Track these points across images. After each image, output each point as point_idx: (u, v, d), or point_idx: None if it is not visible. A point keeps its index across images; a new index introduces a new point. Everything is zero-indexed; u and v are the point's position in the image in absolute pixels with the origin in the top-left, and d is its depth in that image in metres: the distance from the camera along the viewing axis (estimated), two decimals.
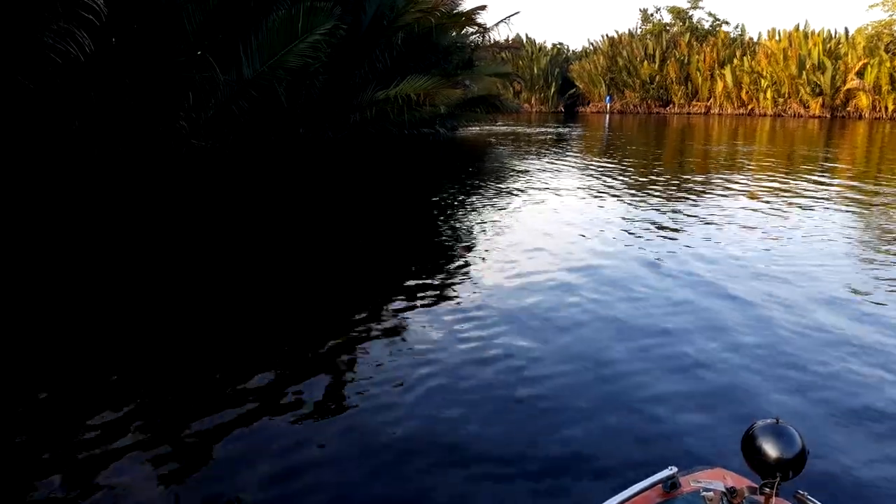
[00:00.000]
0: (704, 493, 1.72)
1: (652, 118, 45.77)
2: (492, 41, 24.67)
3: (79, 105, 11.03)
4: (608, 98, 57.23)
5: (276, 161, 14.51)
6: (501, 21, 23.01)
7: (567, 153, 17.06)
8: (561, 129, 28.94)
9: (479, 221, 7.76)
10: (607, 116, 48.62)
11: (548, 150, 18.00)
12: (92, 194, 9.33)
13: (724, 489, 1.70)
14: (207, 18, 11.78)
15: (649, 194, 9.76)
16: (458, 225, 7.63)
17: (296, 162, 14.62)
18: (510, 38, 29.26)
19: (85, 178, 10.53)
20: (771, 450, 1.58)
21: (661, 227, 7.44)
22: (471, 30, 22.62)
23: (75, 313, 4.69)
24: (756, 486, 1.66)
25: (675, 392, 3.50)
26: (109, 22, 10.68)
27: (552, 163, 14.12)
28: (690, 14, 57.14)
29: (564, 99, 61.58)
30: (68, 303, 4.88)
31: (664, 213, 8.29)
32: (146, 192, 9.80)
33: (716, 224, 7.61)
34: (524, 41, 59.98)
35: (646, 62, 54.25)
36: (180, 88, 12.26)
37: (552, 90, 61.02)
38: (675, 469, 1.77)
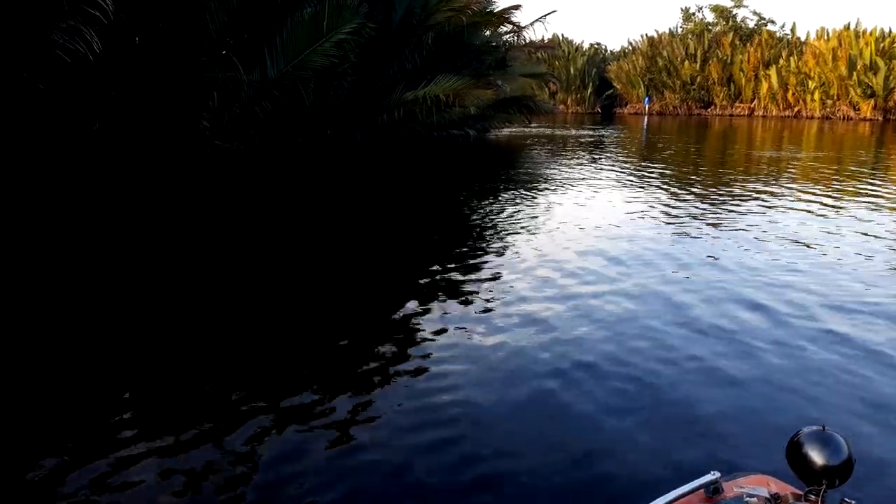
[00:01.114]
0: (748, 498, 1.68)
1: (692, 120, 44.57)
2: (527, 41, 24.03)
3: (99, 106, 10.72)
4: (647, 99, 56.08)
5: (302, 163, 14.07)
6: (537, 20, 22.36)
7: (603, 157, 16.33)
8: (597, 132, 28.15)
9: (508, 227, 7.16)
10: (646, 118, 47.53)
11: (583, 153, 17.29)
12: (113, 197, 8.94)
13: (768, 495, 1.67)
14: (231, 18, 11.39)
15: (689, 202, 9.06)
16: (485, 230, 7.05)
17: (323, 164, 14.17)
18: (546, 38, 28.57)
19: (106, 181, 10.18)
20: (817, 457, 1.58)
21: (700, 237, 6.82)
22: (505, 29, 22.00)
23: (96, 315, 4.55)
24: (801, 493, 1.65)
25: (724, 399, 3.35)
26: (133, 21, 10.38)
27: (586, 166, 13.45)
28: (734, 13, 55.71)
29: (601, 100, 60.60)
30: (89, 304, 4.73)
31: (704, 223, 7.61)
32: (169, 195, 9.41)
33: (759, 237, 6.92)
34: (560, 41, 59.19)
35: (686, 62, 52.94)
36: (204, 89, 11.90)
37: (589, 91, 60.10)
38: (717, 474, 1.72)
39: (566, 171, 12.60)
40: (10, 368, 3.63)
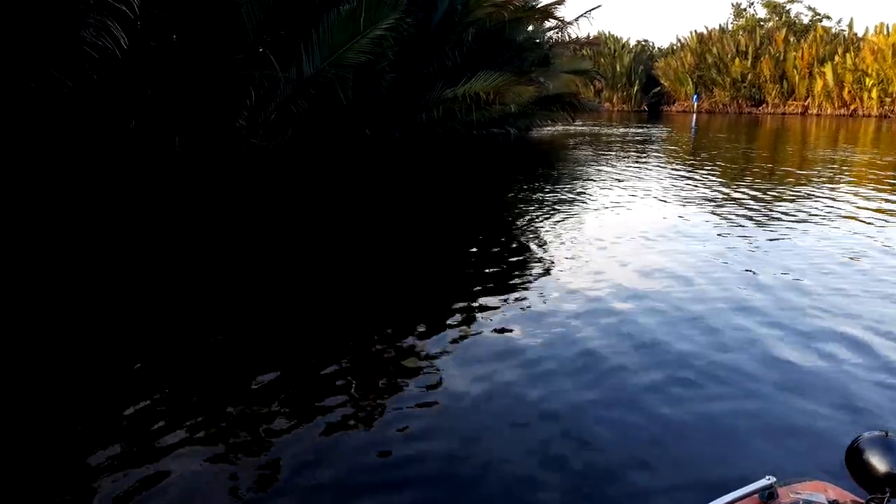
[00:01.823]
0: None
1: (743, 118, 43.32)
2: (571, 37, 23.56)
3: (135, 104, 10.66)
4: (695, 97, 54.89)
5: (340, 162, 13.87)
6: (581, 16, 21.86)
7: (648, 157, 15.78)
8: (643, 130, 27.45)
9: (547, 229, 6.78)
10: (694, 116, 46.44)
11: (628, 153, 16.76)
12: (147, 194, 8.83)
13: (826, 502, 1.61)
14: (268, 15, 11.22)
15: (739, 205, 8.55)
16: (523, 232, 6.69)
17: (361, 163, 13.95)
18: (591, 35, 27.97)
19: (141, 179, 10.11)
20: (880, 463, 1.54)
21: (766, 249, 6.24)
22: (548, 25, 21.55)
23: (128, 306, 4.52)
24: (861, 501, 1.59)
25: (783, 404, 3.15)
26: (170, 20, 10.30)
27: (632, 168, 12.95)
28: (788, 8, 54.16)
29: (648, 98, 59.54)
30: (121, 295, 4.71)
31: (755, 227, 7.12)
32: (204, 193, 9.27)
33: (816, 247, 6.38)
34: (606, 38, 58.35)
35: (737, 59, 51.58)
36: (240, 87, 11.77)
37: (635, 88, 59.09)
38: (773, 479, 1.65)
39: (610, 172, 12.15)
40: (46, 356, 3.60)
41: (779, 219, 7.67)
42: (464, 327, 4.11)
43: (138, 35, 10.04)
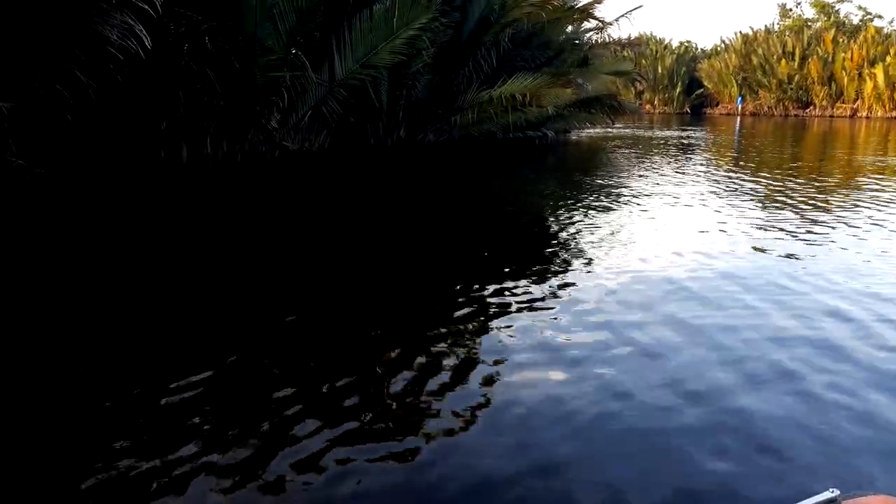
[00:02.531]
0: None
1: (789, 121, 42.17)
2: (611, 38, 23.11)
3: (166, 106, 10.63)
4: (739, 99, 53.77)
5: (373, 165, 13.70)
6: (621, 16, 21.39)
7: (690, 161, 15.29)
8: (685, 133, 26.81)
9: (585, 236, 6.45)
10: (738, 119, 45.39)
11: (668, 157, 16.29)
12: (176, 198, 8.74)
13: None
14: (300, 17, 11.10)
15: (794, 221, 8.06)
16: (559, 238, 6.37)
17: (394, 166, 13.76)
18: (632, 36, 27.52)
19: (170, 182, 10.05)
20: None
21: (812, 273, 5.73)
22: (588, 25, 21.15)
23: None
24: None
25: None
26: (202, 22, 10.25)
27: (672, 174, 12.51)
28: (837, 8, 52.72)
29: (691, 100, 58.61)
30: (134, 299, 4.51)
31: (799, 240, 6.69)
32: (237, 196, 9.13)
33: (869, 263, 5.93)
34: (648, 39, 57.55)
35: (783, 60, 50.35)
36: (272, 89, 11.68)
37: (678, 90, 58.22)
38: (836, 492, 1.53)
39: (649, 178, 11.75)
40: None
41: (830, 237, 7.21)
42: (503, 332, 3.89)
43: (166, 35, 10.02)
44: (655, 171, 12.62)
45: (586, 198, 9.17)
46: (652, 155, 16.27)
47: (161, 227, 7.02)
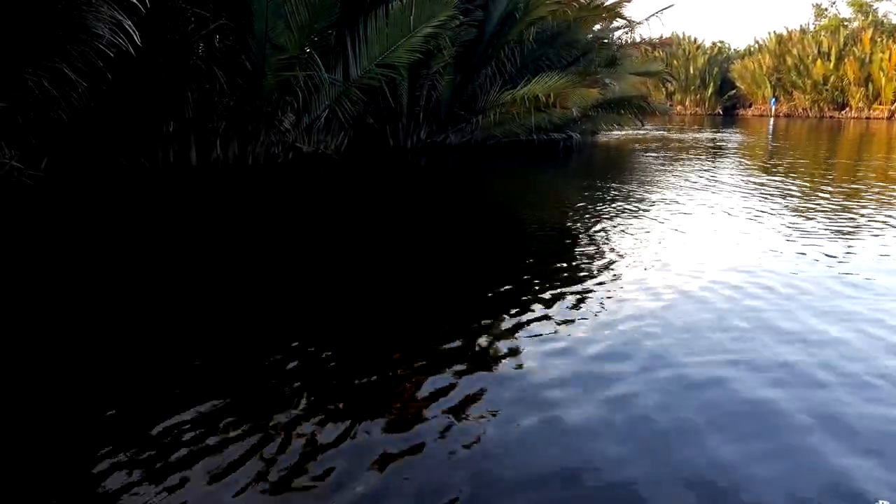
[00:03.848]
0: None
1: (824, 123, 40.92)
2: (641, 38, 22.44)
3: (172, 108, 10.26)
4: (773, 100, 52.58)
5: (391, 167, 13.23)
6: (652, 15, 20.71)
7: (722, 165, 14.57)
8: (717, 135, 25.98)
9: (607, 246, 5.89)
10: (772, 120, 44.21)
11: (699, 159, 15.58)
12: (181, 202, 8.34)
13: None
14: (312, 13, 10.62)
15: (815, 224, 7.46)
16: (579, 255, 5.81)
17: (413, 168, 13.27)
18: (663, 36, 26.82)
19: (176, 185, 9.68)
20: None
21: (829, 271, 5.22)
22: (616, 24, 20.50)
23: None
24: None
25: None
26: (208, 20, 9.87)
27: (701, 178, 11.84)
28: (875, 7, 51.31)
29: (723, 101, 57.55)
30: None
31: (836, 254, 6.06)
32: (246, 200, 8.71)
33: None
34: (680, 39, 56.66)
35: (819, 61, 49.06)
36: (285, 89, 11.25)
37: (709, 91, 57.21)
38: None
39: (678, 184, 11.11)
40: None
41: (866, 251, 6.56)
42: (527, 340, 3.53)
43: (172, 33, 9.64)
44: (686, 177, 11.96)
45: (607, 206, 8.59)
46: (682, 159, 15.56)
47: (163, 231, 6.60)
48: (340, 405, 2.91)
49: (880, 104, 47.03)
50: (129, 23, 5.76)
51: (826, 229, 7.15)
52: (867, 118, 46.35)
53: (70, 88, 6.62)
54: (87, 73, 6.48)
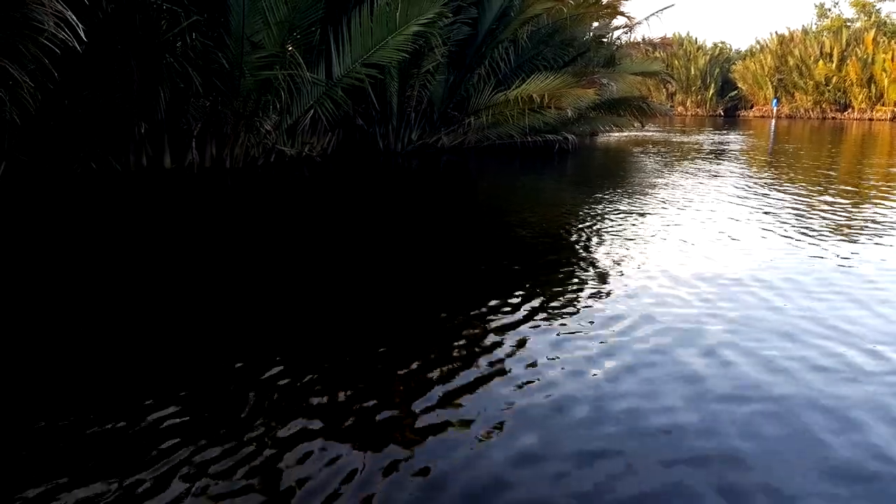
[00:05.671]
0: None
1: (826, 124, 40.34)
2: (642, 38, 21.95)
3: (144, 109, 9.73)
4: (775, 101, 52.10)
5: (380, 171, 12.68)
6: (652, 15, 20.22)
7: (722, 168, 14.01)
8: (718, 137, 25.43)
9: (605, 257, 5.36)
10: (773, 121, 43.66)
11: (699, 162, 15.02)
12: (153, 208, 7.81)
13: None
14: (292, 8, 10.08)
15: (817, 232, 6.94)
16: (576, 263, 5.28)
17: (402, 172, 12.73)
18: (667, 36, 26.34)
19: (148, 191, 9.14)
20: None
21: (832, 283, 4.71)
22: (615, 24, 20.01)
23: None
24: None
25: None
26: (181, 16, 9.37)
27: (701, 182, 11.30)
28: (878, 7, 50.82)
29: (724, 101, 57.10)
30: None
31: (840, 260, 5.53)
32: (228, 204, 8.17)
33: None
34: (681, 39, 56.21)
35: (821, 61, 48.56)
36: (264, 89, 10.72)
37: (711, 92, 56.75)
38: None
39: (677, 187, 10.57)
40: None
41: (858, 243, 6.02)
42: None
43: (144, 31, 9.13)
44: (685, 179, 11.42)
45: (600, 212, 8.05)
46: (682, 162, 15.02)
47: (128, 239, 6.07)
48: (327, 412, 2.83)
49: (883, 105, 46.50)
50: (72, 14, 5.21)
51: (833, 232, 6.60)
52: (870, 119, 45.82)
53: (18, 88, 6.08)
54: (35, 72, 5.95)
